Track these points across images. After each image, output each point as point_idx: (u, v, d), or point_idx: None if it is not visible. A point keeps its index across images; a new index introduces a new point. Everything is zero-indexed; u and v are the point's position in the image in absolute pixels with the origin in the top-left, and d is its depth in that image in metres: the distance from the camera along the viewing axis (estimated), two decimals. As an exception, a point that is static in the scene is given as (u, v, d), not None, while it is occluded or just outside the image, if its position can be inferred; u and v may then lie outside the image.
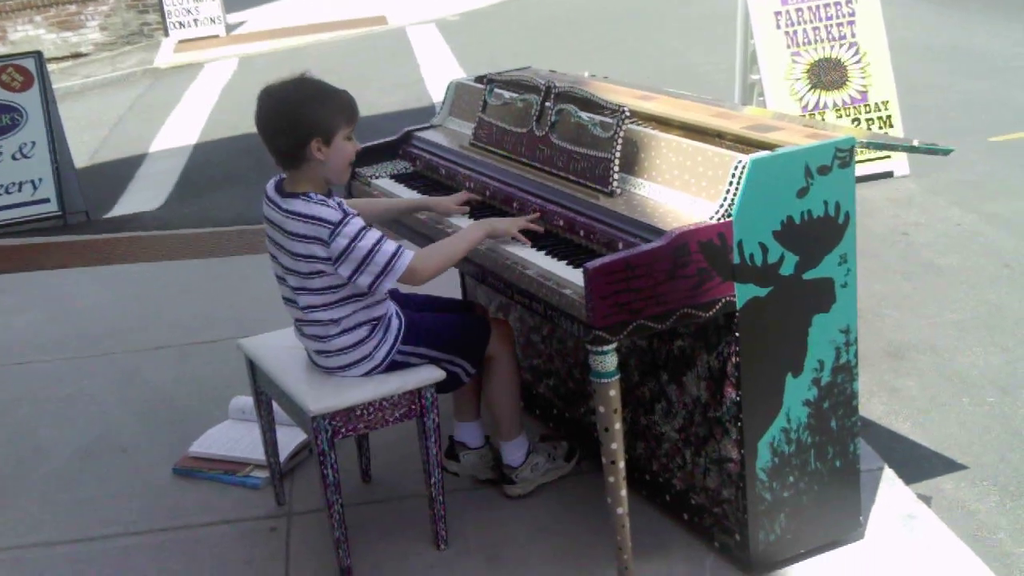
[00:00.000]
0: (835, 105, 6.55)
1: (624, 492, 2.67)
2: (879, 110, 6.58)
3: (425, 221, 3.20)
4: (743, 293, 2.57)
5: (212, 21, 15.61)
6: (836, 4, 6.57)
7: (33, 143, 7.34)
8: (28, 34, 14.91)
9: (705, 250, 2.49)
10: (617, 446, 2.61)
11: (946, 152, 2.84)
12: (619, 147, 2.85)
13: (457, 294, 3.94)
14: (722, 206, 2.52)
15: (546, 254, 2.78)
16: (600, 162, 2.89)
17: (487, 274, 2.91)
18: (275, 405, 3.21)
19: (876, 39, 6.60)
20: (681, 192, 2.68)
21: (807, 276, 2.65)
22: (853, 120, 6.55)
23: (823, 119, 6.43)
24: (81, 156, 8.89)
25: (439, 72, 11.24)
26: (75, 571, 3.15)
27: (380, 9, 16.13)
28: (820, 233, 2.64)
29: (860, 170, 6.19)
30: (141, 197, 8.00)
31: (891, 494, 3.14)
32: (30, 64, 7.38)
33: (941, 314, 4.65)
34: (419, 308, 3.14)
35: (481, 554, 3.04)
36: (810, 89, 6.54)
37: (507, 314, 3.72)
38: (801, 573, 2.85)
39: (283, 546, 3.17)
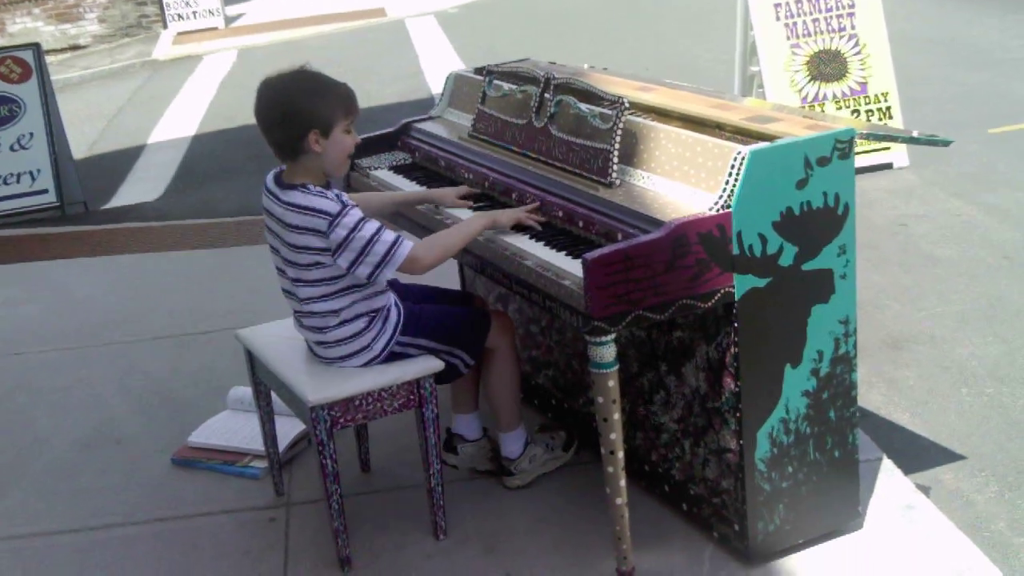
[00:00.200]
0: (835, 96, 6.55)
1: (623, 482, 2.67)
2: (879, 102, 6.58)
3: (425, 212, 3.20)
4: (742, 284, 2.57)
5: (211, 13, 15.59)
6: (836, -5, 6.57)
7: (31, 134, 7.34)
8: (26, 26, 14.89)
9: (704, 241, 2.49)
10: (616, 436, 2.61)
11: (946, 143, 2.84)
12: (618, 138, 2.85)
13: (455, 285, 3.94)
14: (721, 197, 2.52)
15: (545, 245, 2.77)
16: (599, 153, 2.88)
17: (486, 264, 2.91)
18: (274, 395, 3.21)
19: (876, 30, 6.59)
20: (680, 183, 2.68)
21: (806, 267, 2.65)
22: (853, 111, 6.54)
23: (823, 110, 6.42)
24: (79, 147, 8.89)
25: (438, 64, 11.23)
26: (74, 561, 3.15)
27: (379, 1, 16.11)
28: (819, 224, 2.64)
29: (860, 161, 6.19)
30: (139, 188, 8.00)
31: (890, 484, 3.15)
32: (28, 56, 7.37)
33: (940, 305, 4.66)
34: (419, 299, 3.14)
35: (480, 544, 3.04)
36: (810, 80, 6.53)
37: (506, 305, 3.72)
38: (800, 563, 2.85)
39: (282, 536, 3.17)
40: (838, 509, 2.92)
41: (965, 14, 10.99)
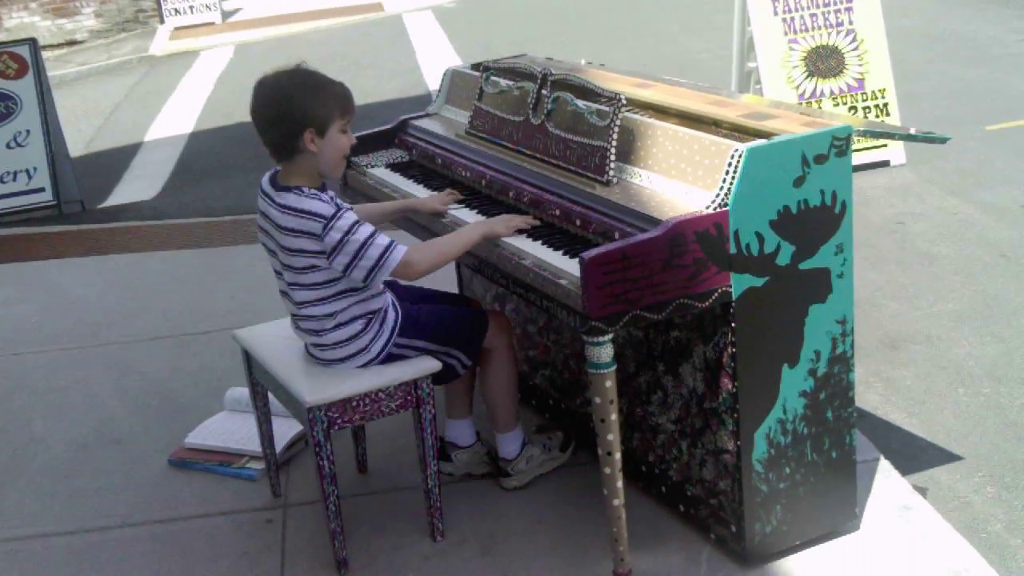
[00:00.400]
0: (832, 93, 6.54)
1: (620, 483, 2.66)
2: (876, 98, 6.56)
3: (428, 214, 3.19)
4: (739, 283, 2.56)
5: (208, 8, 15.55)
6: (833, -9, 6.56)
7: (28, 132, 7.30)
8: (23, 21, 14.84)
9: (701, 240, 2.48)
10: (613, 437, 2.60)
11: (943, 140, 2.83)
12: (615, 135, 2.84)
13: (453, 284, 3.93)
14: (718, 195, 2.51)
15: (542, 244, 2.76)
16: (596, 151, 2.87)
17: (483, 264, 2.90)
18: (271, 396, 3.20)
19: (873, 27, 6.58)
20: (678, 181, 2.67)
21: (803, 266, 2.64)
22: (850, 108, 6.53)
23: (820, 107, 6.42)
24: (76, 145, 8.86)
25: (435, 60, 11.21)
26: (70, 563, 3.15)
27: (376, -4, 16.08)
28: (817, 223, 2.63)
29: (857, 159, 6.19)
30: (137, 186, 7.97)
31: (887, 485, 3.14)
32: (24, 51, 7.32)
33: (937, 304, 4.65)
34: (417, 300, 3.12)
35: (477, 545, 3.03)
36: (807, 77, 6.52)
37: (503, 305, 3.71)
38: (797, 564, 2.85)
39: (279, 538, 3.16)
40: (835, 510, 2.91)
41: (963, 10, 10.97)
